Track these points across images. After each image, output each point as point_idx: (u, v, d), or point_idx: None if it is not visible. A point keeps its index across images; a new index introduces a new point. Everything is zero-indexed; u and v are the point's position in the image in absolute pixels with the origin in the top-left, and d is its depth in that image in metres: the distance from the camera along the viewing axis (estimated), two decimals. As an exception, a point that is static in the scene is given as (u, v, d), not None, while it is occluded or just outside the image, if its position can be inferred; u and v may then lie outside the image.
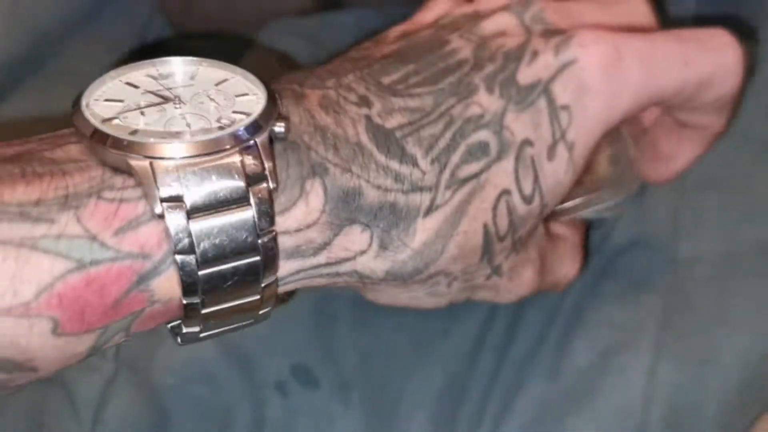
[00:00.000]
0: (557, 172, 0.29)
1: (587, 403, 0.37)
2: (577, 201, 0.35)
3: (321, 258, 0.26)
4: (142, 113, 0.25)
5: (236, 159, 0.24)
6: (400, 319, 0.40)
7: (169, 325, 0.27)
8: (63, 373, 0.41)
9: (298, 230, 0.25)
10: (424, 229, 0.27)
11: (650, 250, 0.39)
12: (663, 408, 0.36)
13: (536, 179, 0.29)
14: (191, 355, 0.40)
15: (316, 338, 0.40)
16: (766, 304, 0.37)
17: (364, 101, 0.27)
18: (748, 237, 0.38)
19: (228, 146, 0.24)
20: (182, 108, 0.25)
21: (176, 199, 0.23)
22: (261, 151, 0.24)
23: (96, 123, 0.24)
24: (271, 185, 0.24)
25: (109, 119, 0.24)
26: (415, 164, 0.26)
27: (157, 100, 0.25)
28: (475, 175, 0.28)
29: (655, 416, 0.36)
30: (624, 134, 0.36)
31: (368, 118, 0.26)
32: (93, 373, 0.41)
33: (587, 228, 0.39)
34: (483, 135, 0.28)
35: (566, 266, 0.35)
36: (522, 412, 0.37)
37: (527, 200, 0.29)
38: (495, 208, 0.28)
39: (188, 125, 0.25)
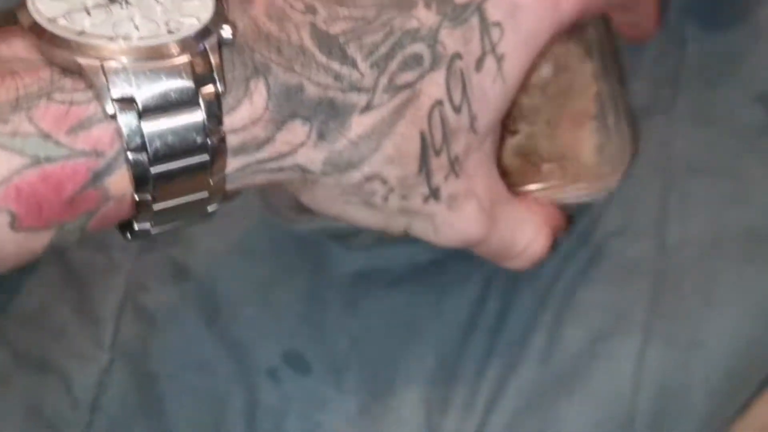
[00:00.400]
0: (484, 82, 0.30)
1: (579, 386, 0.37)
2: (555, 183, 0.36)
3: (264, 153, 0.27)
4: (88, 13, 0.25)
5: (186, 61, 0.24)
6: (391, 302, 0.40)
7: (119, 226, 0.27)
8: (60, 362, 0.41)
9: (243, 128, 0.26)
10: (360, 124, 0.28)
11: (639, 235, 0.40)
12: (652, 391, 0.37)
13: (464, 89, 0.30)
14: (185, 343, 0.41)
15: (307, 323, 0.41)
16: (753, 287, 0.37)
17: (310, 9, 0.28)
18: (735, 222, 0.39)
19: (178, 51, 0.25)
20: (128, 9, 0.25)
21: (128, 100, 0.24)
22: (210, 54, 0.25)
23: (42, 22, 0.24)
24: (219, 87, 0.25)
25: (54, 18, 0.24)
26: (354, 66, 0.28)
27: (103, 0, 0.25)
28: (410, 84, 0.29)
29: (644, 399, 0.36)
30: (610, 124, 0.36)
31: (313, 24, 0.27)
32: (90, 362, 0.41)
33: (570, 215, 0.39)
34: (418, 47, 0.29)
35: (526, 234, 0.35)
36: (514, 395, 0.38)
37: (457, 110, 0.30)
38: (430, 117, 0.29)
39: (136, 28, 0.25)
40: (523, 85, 0.38)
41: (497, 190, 0.34)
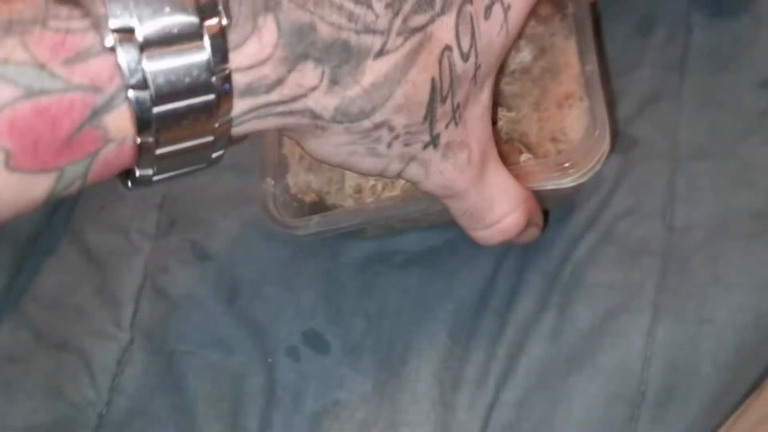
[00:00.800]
0: (491, 31, 0.30)
1: (588, 363, 0.38)
2: (543, 166, 0.36)
3: (274, 96, 0.26)
4: None
5: None
6: (404, 283, 0.41)
7: (119, 175, 0.26)
8: (80, 341, 0.42)
9: (251, 67, 0.25)
10: (373, 70, 0.27)
11: (647, 216, 0.41)
12: (661, 366, 0.37)
13: (473, 36, 0.30)
14: (204, 323, 0.42)
15: (325, 304, 0.41)
16: (758, 265, 0.38)
17: None
18: (740, 203, 0.40)
19: None
20: None
21: (128, 31, 0.22)
22: None
23: None
24: (224, 21, 0.24)
25: None
26: (369, 6, 0.26)
27: None
28: (423, 27, 0.28)
29: (654, 375, 0.37)
30: (596, 104, 0.36)
31: None
32: (109, 341, 0.42)
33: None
34: None
35: (505, 203, 0.34)
36: (525, 372, 0.38)
37: (464, 57, 0.29)
38: (440, 63, 0.29)
39: None
40: (503, 72, 0.38)
41: (489, 148, 0.33)
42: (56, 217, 0.46)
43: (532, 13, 0.38)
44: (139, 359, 0.42)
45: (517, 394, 0.38)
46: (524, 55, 0.39)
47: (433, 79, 0.28)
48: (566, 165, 0.35)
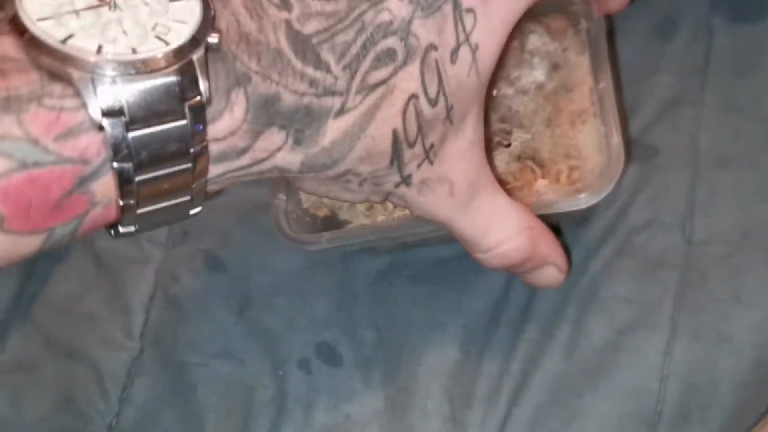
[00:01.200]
0: (460, 74, 0.30)
1: (604, 380, 0.37)
2: (557, 186, 0.35)
3: (244, 160, 0.28)
4: (77, 15, 0.25)
5: (174, 78, 0.25)
6: (415, 295, 0.41)
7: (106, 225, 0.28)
8: (90, 350, 0.42)
9: (224, 138, 0.27)
10: (333, 129, 0.28)
11: (665, 228, 0.40)
12: (678, 385, 0.37)
13: (440, 82, 0.30)
14: (215, 333, 0.41)
15: (339, 315, 0.41)
16: (780, 281, 0.37)
17: (285, 4, 0.28)
18: (763, 215, 0.39)
19: (166, 62, 0.25)
20: (117, 13, 0.25)
21: (116, 112, 0.24)
22: (197, 67, 0.25)
23: (29, 24, 0.24)
24: (204, 98, 0.25)
25: (44, 18, 0.24)
26: (328, 70, 0.28)
27: (94, 2, 0.25)
28: (384, 81, 0.29)
29: (671, 393, 0.37)
30: (610, 121, 0.35)
31: (288, 23, 0.27)
32: (120, 351, 0.42)
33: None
34: (390, 42, 0.29)
35: (502, 229, 0.34)
36: (538, 389, 0.38)
37: (432, 103, 0.30)
38: (404, 112, 0.29)
39: (124, 33, 0.25)
40: (515, 92, 0.38)
41: (479, 177, 0.33)
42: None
43: (547, 29, 0.37)
44: (149, 370, 0.41)
45: (530, 411, 0.38)
46: (537, 73, 0.38)
47: (394, 130, 0.29)
48: (580, 191, 0.35)
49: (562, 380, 0.38)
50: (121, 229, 0.27)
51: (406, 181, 0.31)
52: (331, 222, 0.39)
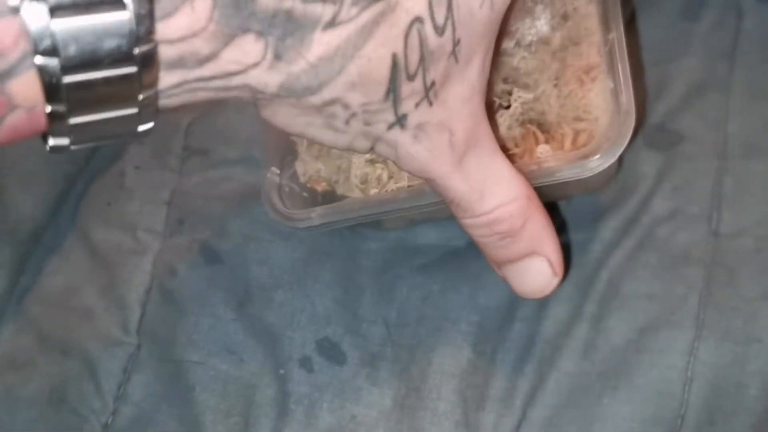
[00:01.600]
0: (472, 3, 0.27)
1: (624, 381, 0.35)
2: (562, 153, 0.32)
3: (207, 70, 0.24)
4: None
5: None
6: (426, 289, 0.39)
7: (43, 136, 0.24)
8: (85, 346, 0.40)
9: (181, 39, 0.23)
10: (322, 43, 0.25)
11: (691, 221, 0.37)
12: (704, 388, 0.34)
13: (450, 7, 0.26)
14: (214, 329, 0.40)
15: (342, 310, 0.39)
16: (814, 278, 0.35)
17: None
18: (796, 208, 0.37)
19: None
20: None
21: None
22: None
23: None
24: None
25: None
26: None
27: None
28: None
29: (695, 397, 0.34)
30: (622, 76, 0.32)
31: None
32: (115, 347, 0.40)
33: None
34: None
35: (500, 193, 0.31)
36: (555, 390, 0.36)
37: (439, 31, 0.26)
38: (407, 37, 0.26)
39: None
40: (519, 45, 0.34)
41: (480, 133, 0.30)
42: (61, 213, 0.44)
43: None
44: (146, 367, 0.40)
45: (545, 413, 0.36)
46: (542, 23, 0.35)
47: (394, 55, 0.26)
48: (587, 157, 0.32)
49: (579, 382, 0.36)
50: (50, 141, 0.23)
51: (400, 121, 0.27)
52: (331, 197, 0.36)
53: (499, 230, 0.31)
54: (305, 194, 0.37)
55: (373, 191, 0.35)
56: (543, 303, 0.37)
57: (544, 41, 0.34)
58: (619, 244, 0.38)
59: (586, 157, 0.32)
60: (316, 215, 0.35)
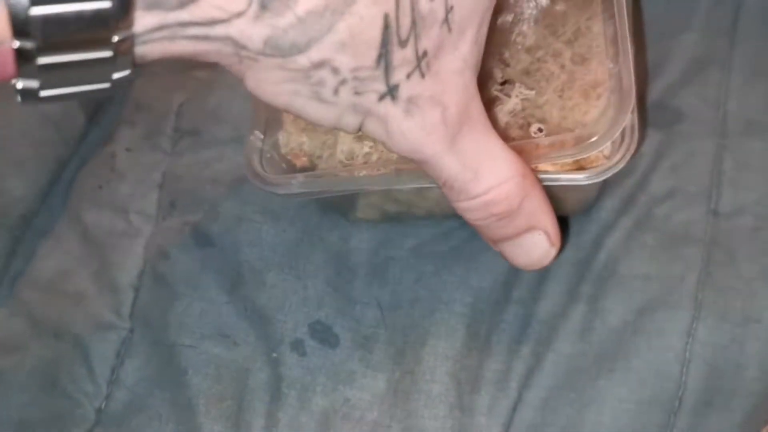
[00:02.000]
0: None
1: (620, 363, 0.35)
2: (558, 161, 0.32)
3: (186, 14, 0.23)
4: None
5: None
6: (420, 271, 0.38)
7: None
8: (77, 330, 0.40)
9: None
10: None
11: (689, 200, 0.37)
12: (701, 369, 0.34)
13: None
14: (206, 313, 0.39)
15: (334, 293, 0.38)
16: (815, 258, 0.34)
17: None
18: (796, 186, 0.36)
19: None
20: None
21: None
22: None
23: None
24: None
25: None
26: None
27: None
28: None
29: (693, 378, 0.34)
30: (626, 93, 0.31)
31: None
32: (108, 331, 0.40)
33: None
34: None
35: (495, 172, 0.29)
36: (550, 372, 0.35)
37: None
38: None
39: None
40: (532, 56, 0.34)
41: (473, 110, 0.29)
42: (52, 196, 0.44)
43: None
44: (139, 351, 0.39)
45: (541, 394, 0.35)
46: (552, 41, 0.34)
47: (386, 15, 0.24)
48: (587, 139, 0.31)
49: (576, 363, 0.35)
50: (19, 83, 0.22)
51: (392, 92, 0.26)
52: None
53: (496, 211, 0.30)
54: (284, 165, 0.36)
55: (361, 172, 0.34)
56: (539, 283, 0.37)
57: (556, 54, 0.34)
58: (616, 224, 0.37)
59: (584, 148, 0.31)
60: (297, 182, 0.34)
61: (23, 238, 0.43)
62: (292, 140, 0.36)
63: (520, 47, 0.34)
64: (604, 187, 0.38)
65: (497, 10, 0.34)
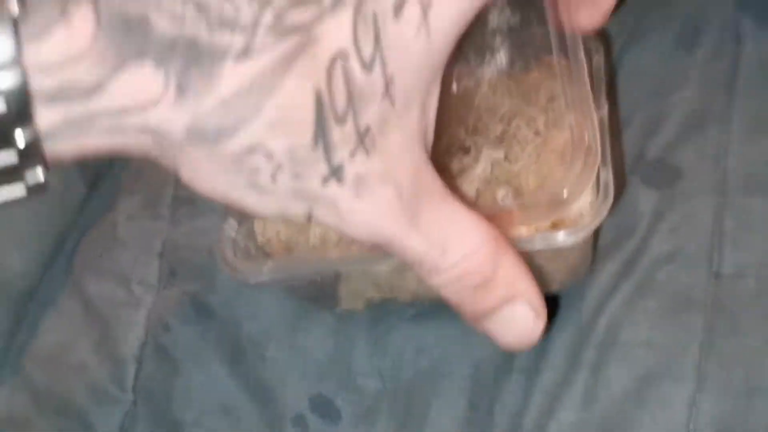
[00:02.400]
0: (404, 33, 0.24)
1: (624, 434, 0.34)
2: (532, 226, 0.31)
3: (95, 104, 0.21)
4: None
5: None
6: (420, 341, 0.38)
7: None
8: (82, 403, 0.40)
9: (60, 66, 0.20)
10: (234, 75, 0.22)
11: (691, 262, 0.36)
12: (706, 441, 0.33)
13: (377, 40, 0.23)
14: (209, 387, 0.39)
15: (335, 364, 0.38)
16: (820, 325, 0.34)
17: None
18: (799, 248, 0.35)
19: None
20: None
21: None
22: None
23: None
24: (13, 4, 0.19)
25: None
26: None
27: None
28: (304, 27, 0.22)
29: (698, 451, 0.33)
30: (604, 159, 0.31)
31: None
32: (112, 405, 0.40)
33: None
34: None
35: (464, 242, 0.27)
36: (554, 443, 0.35)
37: (366, 66, 0.23)
38: (330, 73, 0.23)
39: None
40: (476, 83, 0.33)
41: (426, 181, 0.26)
42: (54, 267, 0.44)
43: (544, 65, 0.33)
44: (143, 426, 0.39)
45: (545, 468, 0.35)
46: (501, 56, 0.33)
47: (318, 90, 0.23)
48: (559, 199, 0.30)
49: (579, 434, 0.35)
50: None
51: (336, 173, 0.24)
52: None
53: (470, 283, 0.28)
54: (261, 255, 0.35)
55: (333, 254, 0.33)
56: (541, 350, 0.36)
57: (531, 119, 0.33)
58: (617, 288, 0.37)
59: (559, 208, 0.30)
60: (267, 269, 0.33)
61: (26, 311, 0.43)
62: (268, 228, 0.34)
63: (490, 113, 0.34)
64: (603, 252, 0.37)
65: (456, 76, 0.33)
